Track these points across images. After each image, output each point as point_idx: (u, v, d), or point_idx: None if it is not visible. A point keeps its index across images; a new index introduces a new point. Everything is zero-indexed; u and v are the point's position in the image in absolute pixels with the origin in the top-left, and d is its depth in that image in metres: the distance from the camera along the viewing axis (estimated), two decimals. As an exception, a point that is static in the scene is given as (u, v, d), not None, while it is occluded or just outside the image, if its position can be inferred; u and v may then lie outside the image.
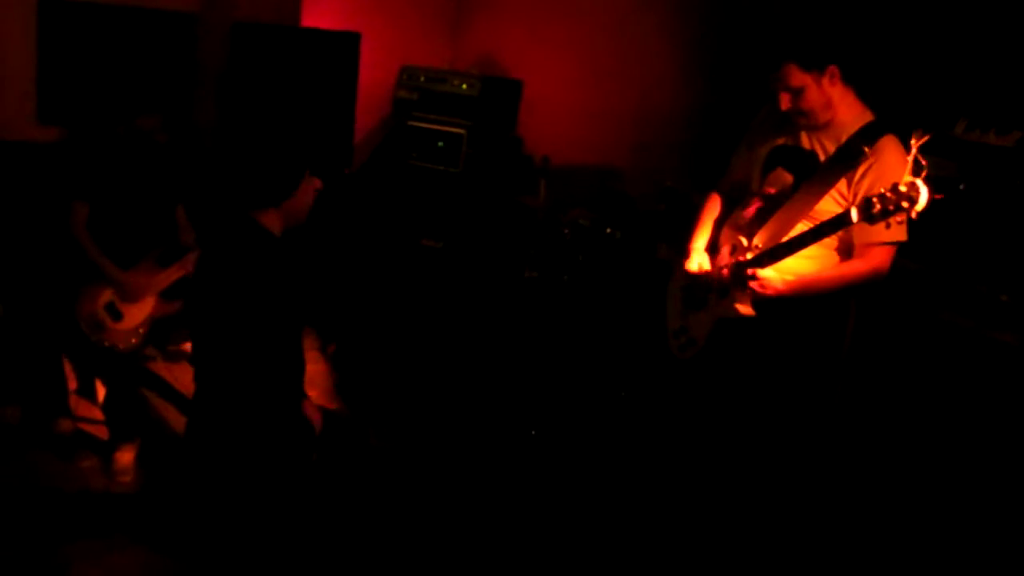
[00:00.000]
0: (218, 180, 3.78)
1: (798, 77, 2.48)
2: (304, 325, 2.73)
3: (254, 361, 2.52)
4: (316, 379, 4.13)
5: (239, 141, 2.89)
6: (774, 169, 2.70)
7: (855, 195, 2.46)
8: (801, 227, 2.53)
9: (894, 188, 2.13)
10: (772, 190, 2.68)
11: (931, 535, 2.72)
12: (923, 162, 2.13)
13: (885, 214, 2.16)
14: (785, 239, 2.52)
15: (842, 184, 2.49)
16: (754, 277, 2.52)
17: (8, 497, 3.02)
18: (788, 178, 2.65)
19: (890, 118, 2.53)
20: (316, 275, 2.91)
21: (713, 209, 2.95)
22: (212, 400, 2.62)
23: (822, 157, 2.57)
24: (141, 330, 3.42)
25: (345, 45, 4.66)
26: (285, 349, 2.55)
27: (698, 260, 2.84)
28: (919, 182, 2.09)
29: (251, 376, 2.53)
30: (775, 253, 2.50)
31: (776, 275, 2.53)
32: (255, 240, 2.50)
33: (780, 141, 2.70)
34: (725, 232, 2.79)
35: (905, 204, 2.11)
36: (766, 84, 2.57)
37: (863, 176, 2.45)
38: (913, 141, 2.16)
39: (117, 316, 3.39)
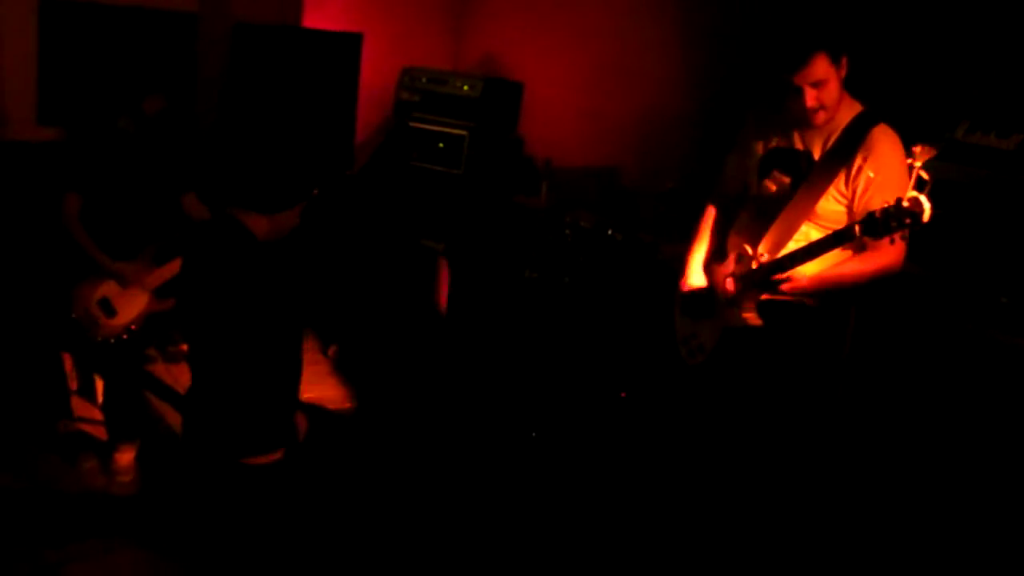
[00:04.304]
0: (213, 175, 3.72)
1: (824, 69, 2.41)
2: (295, 329, 2.69)
3: (240, 359, 2.50)
4: (317, 379, 4.14)
5: (250, 141, 2.85)
6: (770, 172, 2.68)
7: (854, 192, 2.46)
8: (804, 229, 2.53)
9: (897, 203, 2.11)
10: (770, 193, 2.67)
11: (931, 539, 2.72)
12: (926, 177, 2.11)
13: (888, 229, 2.14)
14: (791, 244, 2.52)
15: (840, 181, 2.48)
16: (787, 279, 2.49)
17: (6, 497, 3.03)
18: (785, 180, 2.63)
19: (880, 108, 2.50)
20: (304, 280, 2.89)
21: (709, 220, 2.95)
22: (203, 397, 2.60)
23: (817, 155, 2.56)
24: (133, 327, 3.41)
25: (347, 46, 4.65)
26: (269, 349, 2.52)
27: (696, 279, 2.85)
28: (922, 197, 2.07)
29: (240, 374, 2.51)
30: (782, 264, 2.49)
31: (803, 275, 2.51)
32: (236, 241, 2.47)
33: (773, 143, 2.68)
34: (732, 240, 2.79)
35: (908, 220, 2.09)
36: (779, 84, 2.47)
37: (860, 170, 2.44)
38: (917, 152, 2.14)
39: (111, 312, 3.37)
